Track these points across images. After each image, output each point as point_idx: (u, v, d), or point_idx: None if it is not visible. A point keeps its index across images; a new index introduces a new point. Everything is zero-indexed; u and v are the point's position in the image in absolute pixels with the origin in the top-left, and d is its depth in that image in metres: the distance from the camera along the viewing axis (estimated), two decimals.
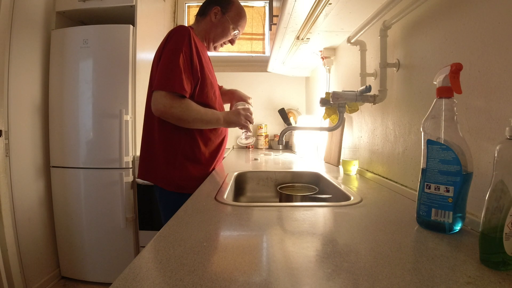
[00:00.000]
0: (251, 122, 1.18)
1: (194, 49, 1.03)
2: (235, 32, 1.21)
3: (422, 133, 0.52)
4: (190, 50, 1.01)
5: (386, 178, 0.95)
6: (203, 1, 1.21)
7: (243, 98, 1.32)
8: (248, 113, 1.16)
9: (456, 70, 0.49)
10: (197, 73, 1.03)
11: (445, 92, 0.50)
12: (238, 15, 1.19)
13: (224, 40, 1.22)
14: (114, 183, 1.78)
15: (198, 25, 1.19)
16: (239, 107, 1.24)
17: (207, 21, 1.17)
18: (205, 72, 1.08)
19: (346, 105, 1.03)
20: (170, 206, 1.07)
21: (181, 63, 0.98)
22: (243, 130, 1.22)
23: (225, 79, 2.52)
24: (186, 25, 1.85)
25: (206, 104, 1.09)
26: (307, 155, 1.81)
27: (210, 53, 1.25)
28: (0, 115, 1.48)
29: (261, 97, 2.55)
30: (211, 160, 1.16)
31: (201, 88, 1.07)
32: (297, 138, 2.17)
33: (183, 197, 0.78)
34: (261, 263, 0.40)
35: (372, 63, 1.08)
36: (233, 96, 1.35)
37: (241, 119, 1.13)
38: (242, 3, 1.37)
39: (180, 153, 1.07)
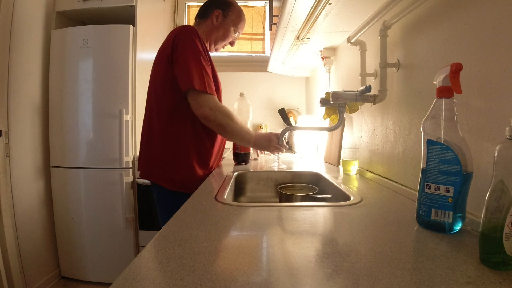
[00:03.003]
0: (281, 150, 1.16)
1: (204, 49, 1.05)
2: (236, 34, 1.23)
3: (422, 133, 0.52)
4: (203, 50, 1.04)
5: (386, 178, 0.95)
6: (203, 2, 1.21)
7: None
8: (279, 143, 1.13)
9: (456, 70, 0.49)
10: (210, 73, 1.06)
11: (445, 92, 0.50)
12: (239, 18, 1.21)
13: (225, 42, 1.23)
14: (114, 183, 1.78)
15: (198, 27, 1.18)
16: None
17: (208, 24, 1.17)
18: (215, 72, 1.11)
19: (346, 105, 1.03)
20: (168, 206, 1.07)
21: (203, 63, 1.01)
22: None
23: (225, 79, 2.51)
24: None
25: None
26: (307, 155, 1.81)
27: (210, 53, 1.26)
28: (0, 115, 1.48)
29: (261, 97, 2.55)
30: (214, 160, 1.17)
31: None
32: (297, 138, 2.17)
33: (182, 197, 0.78)
34: (261, 263, 0.40)
35: (372, 63, 1.08)
36: None
37: (271, 147, 1.14)
38: (243, 3, 1.38)
39: (187, 153, 1.07)
